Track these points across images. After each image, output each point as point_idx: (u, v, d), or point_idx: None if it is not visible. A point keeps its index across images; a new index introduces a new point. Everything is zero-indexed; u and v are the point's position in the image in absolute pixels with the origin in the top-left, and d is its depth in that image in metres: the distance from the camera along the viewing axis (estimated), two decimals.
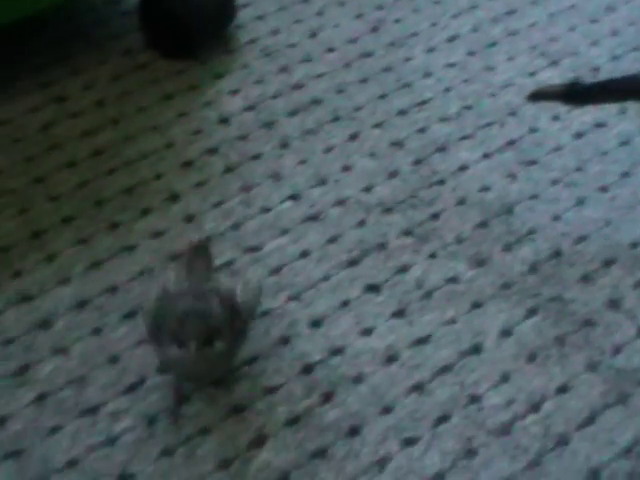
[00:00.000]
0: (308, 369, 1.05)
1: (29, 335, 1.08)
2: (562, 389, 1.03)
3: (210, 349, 0.94)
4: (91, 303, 1.11)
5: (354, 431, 0.99)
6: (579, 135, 1.36)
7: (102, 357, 1.05)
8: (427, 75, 1.46)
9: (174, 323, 0.95)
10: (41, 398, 1.01)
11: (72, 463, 0.95)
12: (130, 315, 1.09)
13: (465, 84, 1.44)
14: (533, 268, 1.15)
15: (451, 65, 1.48)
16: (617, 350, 1.06)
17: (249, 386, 1.02)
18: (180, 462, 0.95)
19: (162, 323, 0.97)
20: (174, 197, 1.25)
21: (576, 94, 1.20)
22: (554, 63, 1.48)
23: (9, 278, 1.15)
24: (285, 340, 1.08)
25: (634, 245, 1.19)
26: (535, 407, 1.01)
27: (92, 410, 1.00)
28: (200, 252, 1.06)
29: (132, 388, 1.02)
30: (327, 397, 1.02)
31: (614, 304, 1.12)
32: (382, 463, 0.96)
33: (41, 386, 1.02)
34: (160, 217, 1.22)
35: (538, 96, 1.25)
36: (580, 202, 1.25)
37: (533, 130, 1.36)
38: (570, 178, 1.28)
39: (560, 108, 1.37)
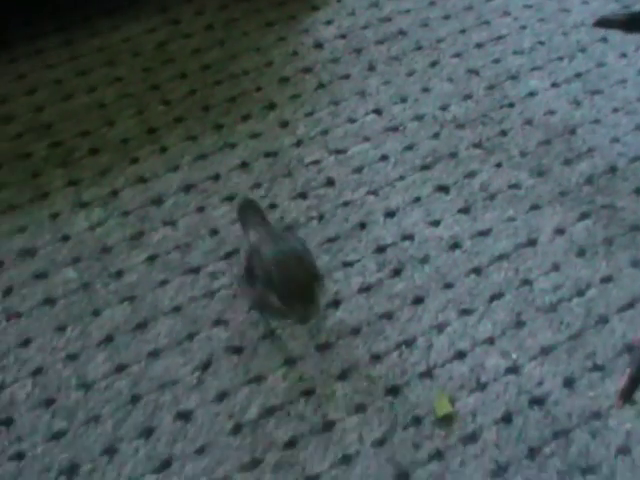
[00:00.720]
0: (381, 249, 1.20)
1: (143, 209, 1.27)
2: (606, 279, 1.16)
3: (315, 305, 1.02)
4: (196, 187, 1.29)
5: (418, 300, 1.14)
6: None
7: (204, 230, 1.23)
8: (505, 14, 1.58)
9: (276, 275, 1.00)
10: (152, 258, 1.20)
11: (177, 309, 1.14)
12: (229, 198, 1.26)
13: (540, 23, 1.56)
14: (589, 180, 1.28)
15: (528, 6, 1.60)
16: None
17: (328, 260, 1.18)
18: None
19: (255, 269, 1.05)
20: (271, 106, 1.42)
21: (637, 23, 1.30)
22: (626, 7, 1.59)
23: (128, 164, 1.33)
24: (362, 226, 1.23)
25: None
26: (580, 292, 1.14)
27: (195, 270, 1.18)
28: (251, 206, 1.14)
29: (228, 255, 1.20)
30: (396, 272, 1.17)
31: None
32: (440, 327, 1.11)
33: (152, 249, 1.21)
34: (258, 122, 1.39)
35: (603, 23, 1.35)
36: (638, 127, 1.36)
37: (600, 65, 1.48)
38: (631, 107, 1.39)
39: (628, 47, 1.48)
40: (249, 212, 1.14)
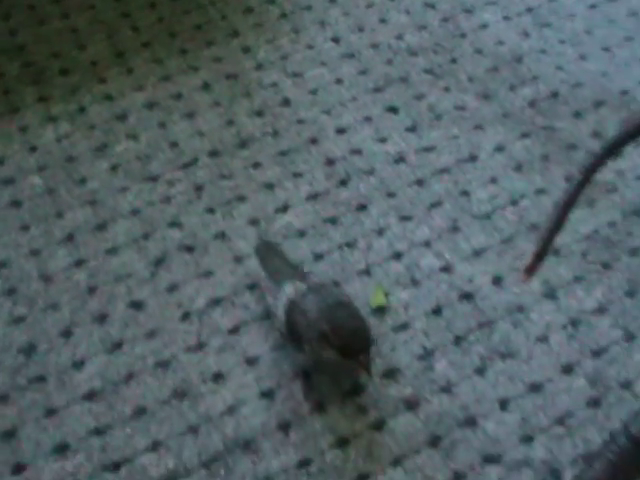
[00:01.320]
0: (330, 162, 1.27)
1: (108, 124, 1.34)
2: (540, 192, 1.23)
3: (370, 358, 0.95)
4: (159, 105, 1.36)
5: (361, 207, 1.22)
6: (593, 6, 1.52)
7: (165, 143, 1.30)
8: None
9: (335, 333, 0.93)
10: (114, 167, 1.27)
11: (135, 212, 1.21)
12: (190, 115, 1.32)
13: None
14: (531, 104, 1.35)
15: None
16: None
17: (279, 170, 1.24)
18: (219, 217, 1.17)
19: (298, 326, 0.97)
20: (235, 33, 1.48)
21: None
22: None
23: (95, 84, 1.40)
24: (314, 141, 1.30)
25: (624, 92, 1.36)
26: (514, 202, 1.22)
27: (154, 178, 1.25)
28: (271, 249, 1.09)
29: (186, 165, 1.26)
30: (343, 182, 1.25)
31: (597, 135, 1.30)
32: (381, 231, 1.18)
33: (115, 159, 1.28)
34: (221, 48, 1.46)
35: None
36: (582, 57, 1.43)
37: (552, 0, 1.55)
38: (577, 39, 1.46)
39: None
40: (272, 257, 1.06)
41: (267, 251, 1.09)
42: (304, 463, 0.98)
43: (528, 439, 0.99)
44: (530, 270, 0.92)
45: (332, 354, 0.94)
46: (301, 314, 0.97)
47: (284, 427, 1.01)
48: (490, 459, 0.98)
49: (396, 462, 0.98)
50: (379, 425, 1.01)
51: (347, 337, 0.93)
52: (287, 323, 0.99)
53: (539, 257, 0.93)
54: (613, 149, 0.97)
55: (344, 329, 0.94)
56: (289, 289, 1.00)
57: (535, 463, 0.98)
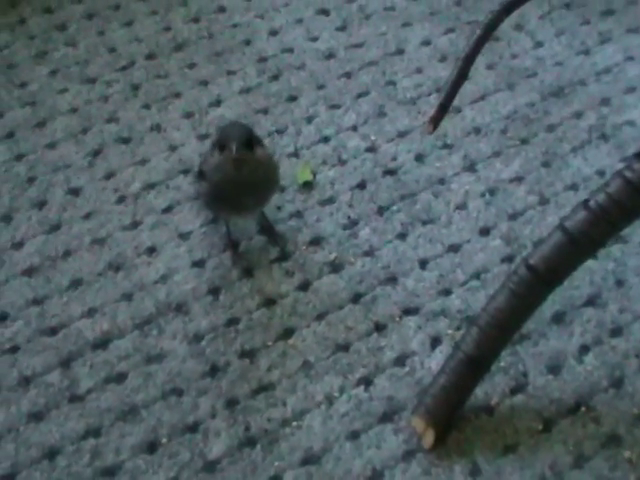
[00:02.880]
0: (262, 60, 1.30)
1: (47, 34, 1.34)
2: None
3: (250, 151, 0.99)
4: (98, 15, 1.38)
5: (292, 98, 1.25)
6: None
7: (103, 48, 1.33)
8: None
9: (218, 136, 1.01)
10: (54, 72, 1.29)
11: (74, 110, 1.24)
12: (127, 23, 1.35)
13: None
14: (458, 2, 1.37)
15: None
16: (514, 56, 1.27)
17: (213, 69, 1.26)
18: (155, 112, 1.19)
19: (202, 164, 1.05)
20: None
21: None
22: None
23: None
24: (247, 42, 1.33)
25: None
26: (438, 89, 1.25)
27: (92, 80, 1.27)
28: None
29: (124, 67, 1.28)
30: (274, 77, 1.28)
31: (519, 27, 1.35)
32: (310, 118, 1.21)
33: (55, 64, 1.30)
34: None
35: None
36: None
37: None
38: None
39: None
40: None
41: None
42: (233, 322, 1.04)
43: (445, 292, 1.05)
44: (434, 120, 0.97)
45: (223, 158, 0.98)
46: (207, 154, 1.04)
47: (214, 291, 1.06)
48: (409, 311, 1.03)
49: (320, 317, 1.03)
50: (304, 286, 1.06)
51: (223, 131, 1.00)
52: (198, 170, 1.05)
53: (443, 108, 0.98)
54: (510, 7, 1.02)
55: (228, 130, 1.00)
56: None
57: (451, 312, 1.03)
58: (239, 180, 0.99)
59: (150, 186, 1.15)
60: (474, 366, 0.92)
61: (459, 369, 0.93)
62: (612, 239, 0.94)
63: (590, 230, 0.90)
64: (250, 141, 1.00)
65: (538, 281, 0.91)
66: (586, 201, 0.91)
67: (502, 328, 0.93)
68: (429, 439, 0.92)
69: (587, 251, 0.92)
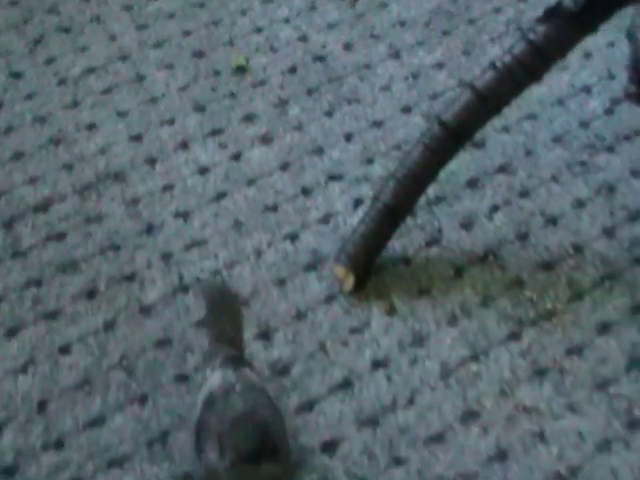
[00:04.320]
0: None
1: None
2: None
3: (255, 468, 0.77)
4: None
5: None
6: None
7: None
8: None
9: (222, 425, 0.79)
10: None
11: (14, 3, 1.28)
12: None
13: None
14: None
15: None
16: None
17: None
18: (94, 4, 1.23)
19: (206, 427, 0.81)
20: None
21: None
22: None
23: None
24: None
25: None
26: None
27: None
28: (226, 303, 0.91)
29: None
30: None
31: None
32: (245, 12, 1.27)
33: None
34: None
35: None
36: None
37: None
38: None
39: None
40: (220, 314, 0.88)
41: (219, 303, 0.89)
42: (168, 188, 1.08)
43: (368, 161, 1.12)
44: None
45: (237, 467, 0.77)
46: (213, 414, 0.80)
47: (150, 162, 1.11)
48: (334, 177, 1.10)
49: (250, 182, 1.07)
50: (236, 156, 1.10)
51: (252, 444, 0.76)
52: (196, 428, 0.81)
53: None
54: None
55: (250, 435, 0.77)
56: (215, 379, 0.82)
57: (373, 178, 1.10)
58: None
59: (90, 70, 1.20)
60: (391, 215, 0.99)
61: (377, 218, 1.00)
62: (516, 96, 0.99)
63: (497, 88, 0.97)
64: (261, 451, 0.77)
65: (449, 136, 0.97)
66: (493, 63, 0.98)
67: (417, 180, 1.00)
68: (349, 284, 0.99)
69: (494, 108, 0.98)
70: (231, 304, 0.89)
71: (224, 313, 0.88)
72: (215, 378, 0.82)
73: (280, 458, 0.76)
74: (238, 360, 0.85)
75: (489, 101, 0.99)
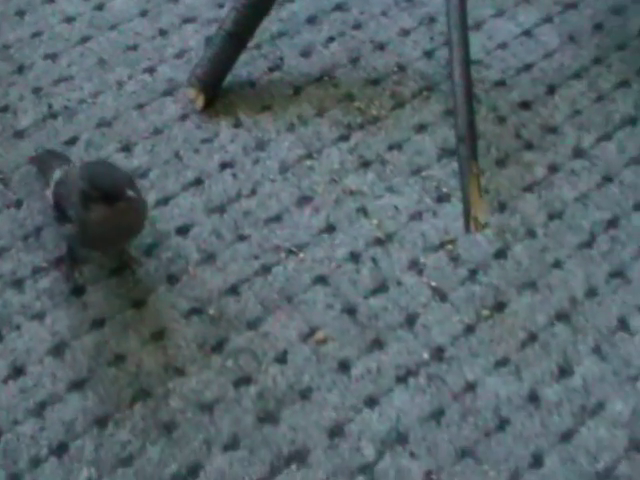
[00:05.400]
0: None
1: None
2: None
3: (121, 203, 0.90)
4: None
5: None
6: None
7: None
8: None
9: (93, 182, 0.90)
10: None
11: None
12: None
13: None
14: None
15: None
16: None
17: None
18: None
19: (62, 196, 0.94)
20: None
21: None
22: None
23: None
24: None
25: None
26: None
27: None
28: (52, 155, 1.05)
29: None
30: None
31: None
32: None
33: None
34: None
35: None
36: None
37: None
38: None
39: None
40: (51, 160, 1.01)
41: (46, 158, 1.03)
42: (37, 34, 1.20)
43: (220, 5, 1.22)
44: None
45: (97, 210, 0.90)
46: (64, 186, 0.95)
47: (20, 13, 1.23)
48: (188, 20, 1.20)
49: (112, 28, 1.22)
50: (100, 7, 1.25)
51: (105, 182, 0.90)
52: (55, 202, 0.96)
53: None
54: None
55: (99, 177, 0.90)
56: (56, 174, 0.97)
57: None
58: (120, 227, 0.93)
59: None
60: (234, 40, 1.12)
61: (222, 43, 1.12)
62: None
63: None
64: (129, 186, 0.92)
65: None
66: None
67: (255, 8, 1.12)
68: (200, 102, 1.11)
69: None
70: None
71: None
72: (55, 174, 0.96)
73: (137, 188, 0.92)
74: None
75: None
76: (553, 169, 1.08)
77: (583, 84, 1.16)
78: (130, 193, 0.89)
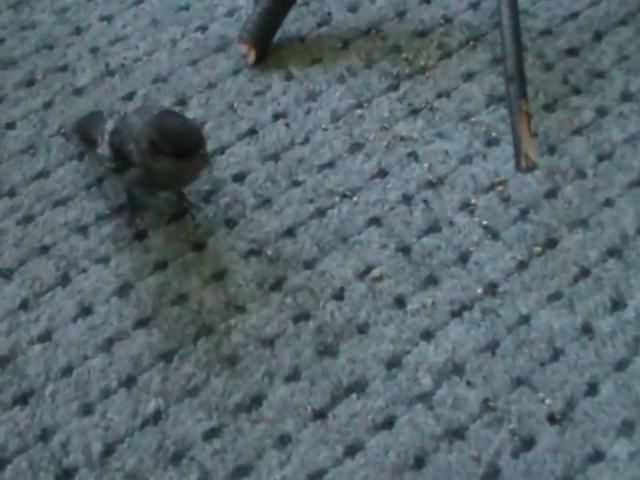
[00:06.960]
0: None
1: None
2: None
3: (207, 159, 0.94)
4: None
5: None
6: None
7: None
8: None
9: (165, 135, 0.90)
10: None
11: None
12: None
13: None
14: None
15: None
16: None
17: None
18: None
19: (125, 142, 0.94)
20: None
21: None
22: None
23: None
24: None
25: None
26: None
27: None
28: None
29: None
30: None
31: None
32: None
33: None
34: None
35: None
36: None
37: None
38: None
39: None
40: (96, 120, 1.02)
41: (87, 121, 1.04)
42: None
43: None
44: None
45: (166, 163, 0.91)
46: (127, 132, 0.94)
47: None
48: None
49: None
50: None
51: (178, 138, 0.91)
52: (112, 149, 0.96)
53: None
54: None
55: (173, 131, 0.91)
56: (109, 125, 0.98)
57: None
58: (183, 179, 0.96)
59: None
60: None
61: (271, 1, 1.14)
62: None
63: None
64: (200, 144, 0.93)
65: None
66: None
67: None
68: (252, 57, 1.14)
69: None
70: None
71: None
72: (108, 125, 0.97)
73: (205, 143, 0.93)
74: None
75: None
76: (601, 112, 1.09)
77: (630, 30, 1.17)
78: (200, 152, 0.91)
